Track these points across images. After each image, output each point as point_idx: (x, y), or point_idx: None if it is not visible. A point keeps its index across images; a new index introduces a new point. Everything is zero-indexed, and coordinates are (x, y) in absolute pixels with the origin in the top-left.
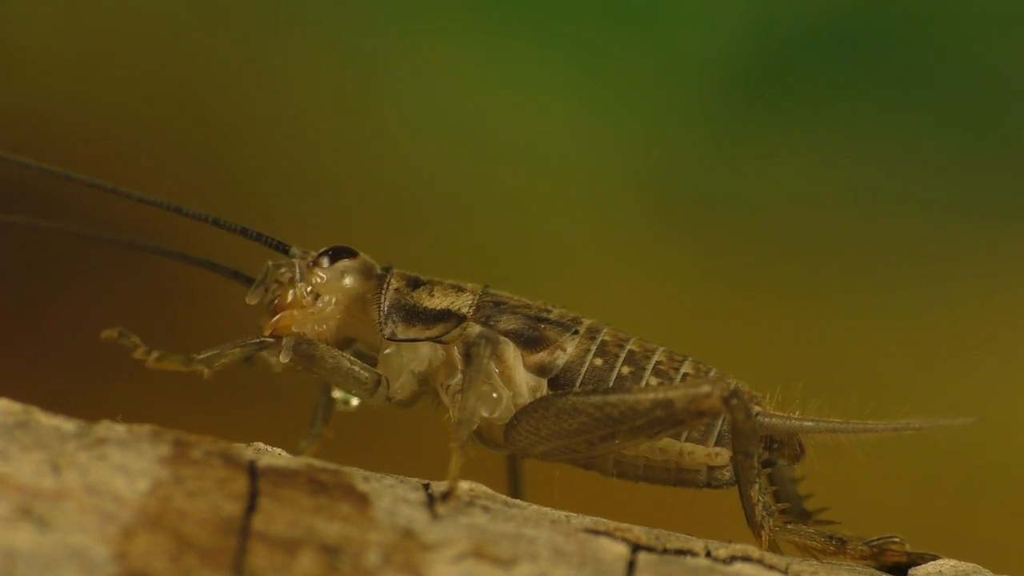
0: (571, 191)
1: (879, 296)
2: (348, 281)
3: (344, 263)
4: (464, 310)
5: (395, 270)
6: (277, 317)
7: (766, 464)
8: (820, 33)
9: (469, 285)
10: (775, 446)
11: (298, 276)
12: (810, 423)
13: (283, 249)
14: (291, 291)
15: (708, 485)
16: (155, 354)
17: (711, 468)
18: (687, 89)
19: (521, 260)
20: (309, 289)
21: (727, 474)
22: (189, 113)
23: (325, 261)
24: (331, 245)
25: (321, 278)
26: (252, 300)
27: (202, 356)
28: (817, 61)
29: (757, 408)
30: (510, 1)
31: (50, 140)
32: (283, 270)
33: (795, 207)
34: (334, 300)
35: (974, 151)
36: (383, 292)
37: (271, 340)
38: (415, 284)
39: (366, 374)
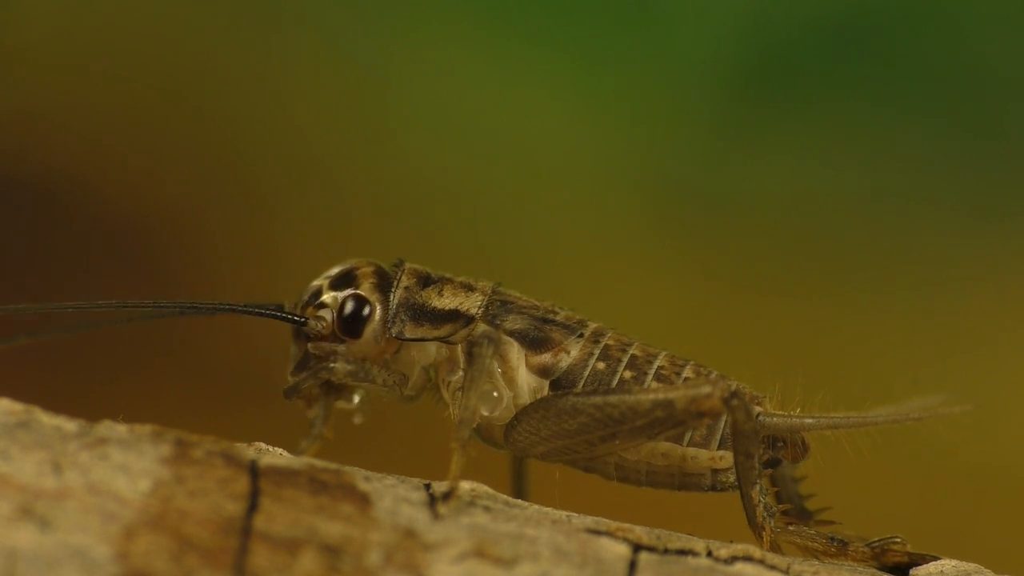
0: (572, 190)
1: (879, 294)
2: (377, 318)
3: (366, 324)
4: (473, 311)
5: (407, 265)
6: (348, 392)
7: (770, 464)
8: (820, 33)
9: (480, 284)
10: (779, 445)
11: (343, 363)
12: (811, 420)
13: (301, 321)
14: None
15: (713, 488)
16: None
17: (715, 471)
18: (688, 89)
19: (522, 258)
20: (352, 359)
21: (732, 477)
22: (189, 113)
23: (349, 327)
24: (343, 298)
25: (358, 347)
26: (293, 380)
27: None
28: (817, 60)
29: (758, 409)
30: (511, 1)
31: (50, 140)
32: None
33: (795, 205)
34: (374, 345)
35: (973, 150)
36: (393, 290)
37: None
38: (425, 282)
39: (395, 378)
